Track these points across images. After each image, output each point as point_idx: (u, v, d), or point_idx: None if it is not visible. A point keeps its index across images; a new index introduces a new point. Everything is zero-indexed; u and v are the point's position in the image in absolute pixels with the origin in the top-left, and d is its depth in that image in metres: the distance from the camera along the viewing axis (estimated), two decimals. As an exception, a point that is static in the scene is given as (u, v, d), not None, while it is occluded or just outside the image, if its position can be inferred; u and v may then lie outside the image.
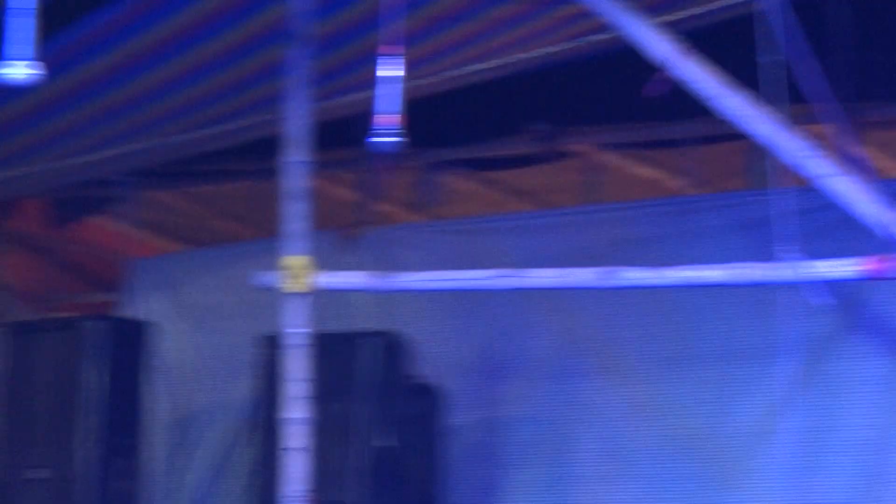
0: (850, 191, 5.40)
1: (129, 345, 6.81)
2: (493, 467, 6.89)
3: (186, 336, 7.45)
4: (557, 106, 7.00)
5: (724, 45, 5.84)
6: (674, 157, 7.18)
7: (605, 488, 6.69)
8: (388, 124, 5.19)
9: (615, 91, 6.64)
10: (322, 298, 5.68)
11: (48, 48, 4.86)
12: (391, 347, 6.55)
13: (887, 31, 6.29)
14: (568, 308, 6.72)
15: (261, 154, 6.64)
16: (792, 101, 5.40)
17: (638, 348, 6.68)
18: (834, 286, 5.65)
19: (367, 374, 6.50)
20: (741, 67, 5.41)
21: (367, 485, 6.42)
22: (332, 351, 6.24)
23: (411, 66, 5.81)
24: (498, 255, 6.65)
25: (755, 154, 6.42)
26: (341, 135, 6.62)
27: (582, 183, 7.29)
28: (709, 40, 5.85)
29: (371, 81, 5.27)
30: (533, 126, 7.12)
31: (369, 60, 5.35)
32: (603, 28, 5.78)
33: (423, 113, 6.50)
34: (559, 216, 7.03)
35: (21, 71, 4.65)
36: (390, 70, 5.21)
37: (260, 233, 7.29)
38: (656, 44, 5.54)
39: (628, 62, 5.80)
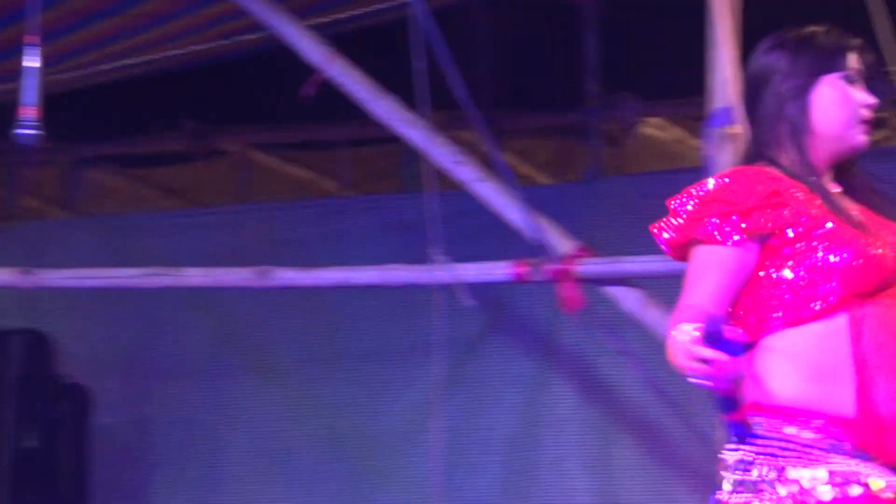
0: (497, 196, 5.53)
1: None
2: (144, 468, 6.78)
3: None
4: (209, 104, 6.94)
5: (378, 50, 5.90)
6: (326, 159, 7.21)
7: (258, 488, 6.66)
8: (32, 117, 5.05)
9: (268, 91, 6.62)
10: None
11: None
12: (36, 346, 6.39)
13: (524, 41, 6.46)
14: (220, 307, 6.67)
15: None
16: (442, 107, 5.49)
17: (291, 348, 6.67)
18: (482, 288, 5.77)
19: (12, 374, 6.32)
20: (393, 72, 5.47)
21: (13, 487, 6.24)
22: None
23: (60, 59, 5.67)
24: (149, 254, 6.54)
25: (407, 157, 6.52)
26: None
27: (234, 182, 7.25)
28: (362, 44, 5.91)
29: (15, 73, 5.12)
30: (184, 123, 7.04)
31: (13, 51, 5.20)
32: (256, 27, 5.76)
33: (72, 107, 6.37)
34: (211, 215, 6.97)
35: None
36: (34, 61, 5.07)
37: None
38: (307, 45, 5.56)
39: (282, 62, 5.80)
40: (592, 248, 5.49)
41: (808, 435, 2.89)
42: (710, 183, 2.97)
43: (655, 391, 5.55)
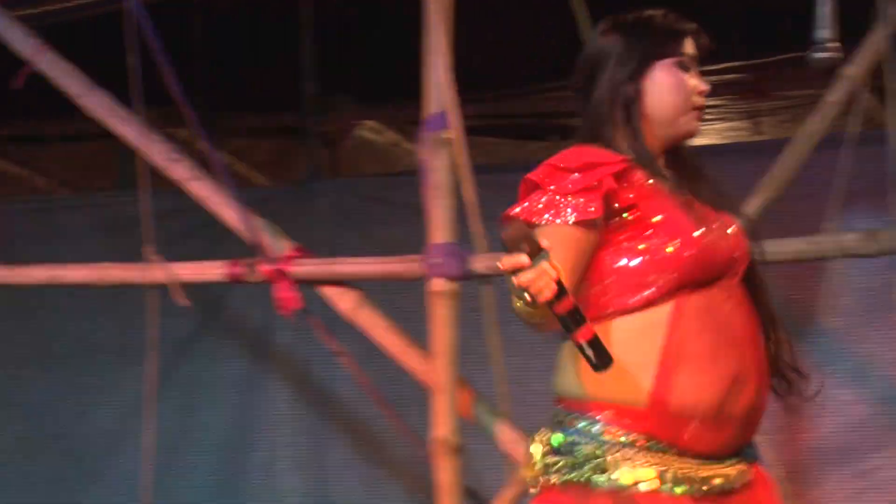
0: (213, 195, 5.50)
1: None
2: None
3: None
4: None
5: (91, 43, 5.81)
6: (37, 155, 7.06)
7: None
8: None
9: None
10: None
11: None
12: None
13: (242, 40, 6.46)
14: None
15: None
16: (157, 104, 5.43)
17: (-1, 348, 6.53)
18: (197, 288, 5.73)
19: None
20: (107, 66, 5.40)
21: None
22: None
23: None
24: None
25: (122, 154, 6.43)
26: None
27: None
28: (75, 37, 5.80)
29: None
30: None
31: None
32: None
33: None
34: (-87, 210, 6.76)
35: None
36: None
37: None
38: (16, 36, 5.45)
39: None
40: (308, 249, 5.50)
41: (598, 428, 2.91)
42: (552, 161, 2.94)
43: (368, 392, 5.59)
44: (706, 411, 2.90)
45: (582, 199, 2.89)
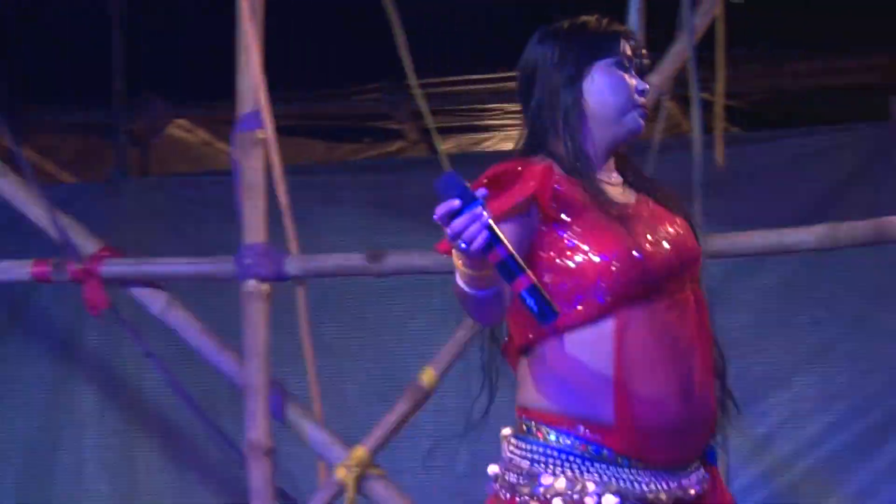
0: (17, 193, 5.40)
1: None
2: None
3: None
4: None
5: None
6: None
7: None
8: None
9: None
10: None
11: None
12: None
13: (50, 36, 6.36)
14: None
15: None
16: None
17: None
18: (2, 287, 5.63)
19: None
20: None
21: None
22: None
23: None
24: None
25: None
26: None
27: None
28: None
29: None
30: None
31: None
32: None
33: None
34: None
35: None
36: None
37: None
38: None
39: None
40: (117, 248, 5.44)
41: (567, 442, 2.89)
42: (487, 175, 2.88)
43: (179, 394, 5.55)
44: (672, 423, 2.90)
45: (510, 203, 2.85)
